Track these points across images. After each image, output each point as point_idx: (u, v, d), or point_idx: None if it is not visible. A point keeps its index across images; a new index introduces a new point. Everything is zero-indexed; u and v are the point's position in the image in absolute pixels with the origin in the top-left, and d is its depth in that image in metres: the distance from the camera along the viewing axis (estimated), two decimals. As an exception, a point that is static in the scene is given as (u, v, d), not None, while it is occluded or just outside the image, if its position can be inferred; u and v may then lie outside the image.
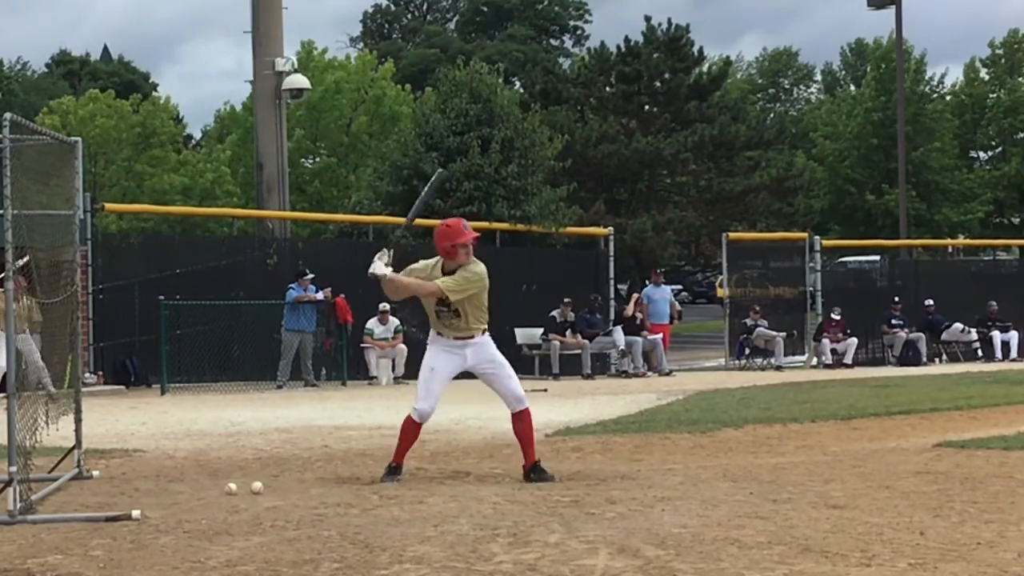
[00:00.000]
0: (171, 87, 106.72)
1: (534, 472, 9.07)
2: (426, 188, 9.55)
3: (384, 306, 22.03)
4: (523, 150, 26.82)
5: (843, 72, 75.24)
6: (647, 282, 42.27)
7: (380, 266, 8.92)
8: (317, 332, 21.83)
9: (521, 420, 9.16)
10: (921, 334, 28.07)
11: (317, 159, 48.44)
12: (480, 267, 9.08)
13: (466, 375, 9.26)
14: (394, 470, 9.06)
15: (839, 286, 30.59)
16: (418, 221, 23.19)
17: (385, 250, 9.04)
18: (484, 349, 9.08)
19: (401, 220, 25.22)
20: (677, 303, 28.56)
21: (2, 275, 7.93)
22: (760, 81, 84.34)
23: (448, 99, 27.43)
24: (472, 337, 9.03)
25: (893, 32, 52.99)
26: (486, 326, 9.14)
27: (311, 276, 21.59)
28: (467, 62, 29.33)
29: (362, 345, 22.17)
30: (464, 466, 9.89)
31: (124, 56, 77.26)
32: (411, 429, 9.08)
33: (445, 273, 8.98)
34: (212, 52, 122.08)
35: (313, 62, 47.16)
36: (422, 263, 9.19)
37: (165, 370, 20.05)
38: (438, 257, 9.07)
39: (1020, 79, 57.38)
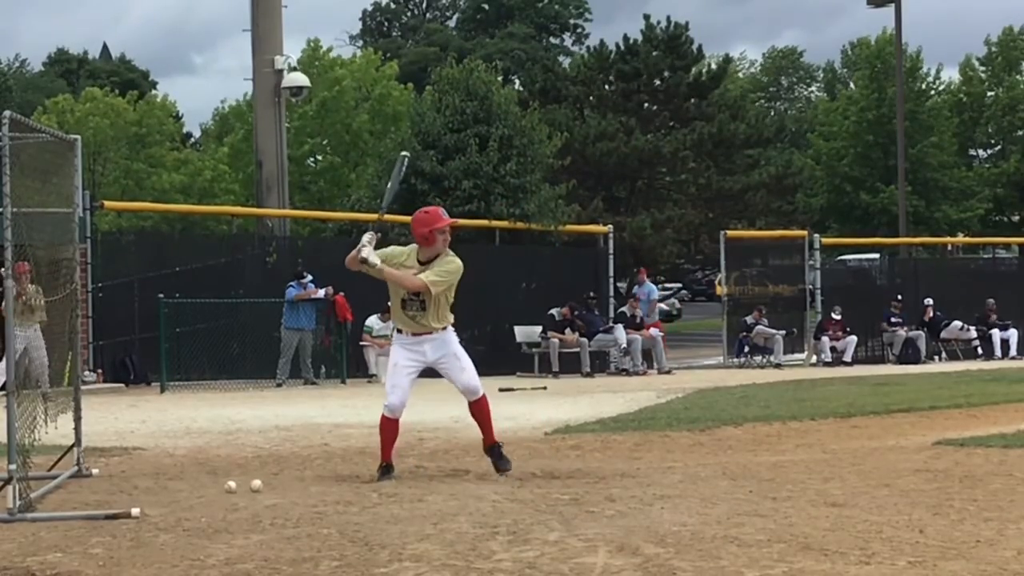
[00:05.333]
0: (191, 86, 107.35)
1: (491, 454, 9.26)
2: (393, 174, 9.61)
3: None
4: (521, 148, 26.78)
5: (844, 71, 75.25)
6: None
7: (371, 252, 8.94)
8: (316, 330, 21.84)
9: (476, 406, 9.24)
10: (920, 332, 28.09)
11: (321, 158, 48.48)
12: (458, 261, 9.10)
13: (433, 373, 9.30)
14: (387, 469, 9.11)
15: (838, 284, 30.62)
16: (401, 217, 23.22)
17: (371, 233, 9.06)
18: (444, 345, 9.11)
19: (401, 219, 25.36)
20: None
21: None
22: (763, 80, 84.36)
23: (443, 96, 27.40)
24: (431, 333, 9.07)
25: (886, 29, 53.23)
26: (448, 323, 9.14)
27: (309, 278, 21.59)
28: (460, 60, 29.27)
29: (361, 343, 22.17)
30: (463, 464, 9.89)
31: (140, 55, 77.41)
32: (387, 425, 9.16)
33: (420, 262, 9.00)
34: (222, 52, 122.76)
35: (319, 61, 47.18)
36: (397, 249, 9.29)
37: (164, 368, 20.05)
38: (413, 245, 9.13)
39: (1017, 76, 57.37)
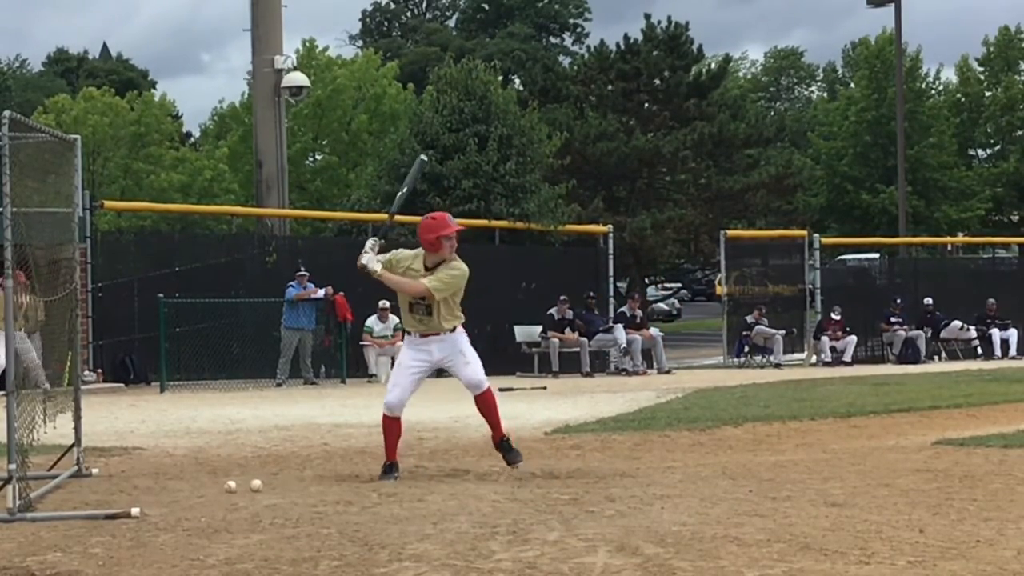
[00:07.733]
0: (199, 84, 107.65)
1: (501, 448, 9.36)
2: (408, 177, 9.71)
3: (384, 304, 22.04)
4: (521, 147, 26.78)
5: (844, 71, 75.24)
6: (646, 280, 42.08)
7: (372, 259, 9.04)
8: (316, 330, 21.84)
9: (481, 399, 9.25)
10: (920, 332, 28.09)
11: (319, 157, 48.44)
12: (463, 266, 9.14)
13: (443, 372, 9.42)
14: (390, 468, 9.14)
15: (838, 284, 30.64)
16: (405, 218, 23.38)
17: (375, 239, 9.18)
18: (451, 345, 9.14)
19: (401, 218, 25.32)
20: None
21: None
22: (764, 79, 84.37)
23: (441, 96, 27.38)
24: (439, 334, 9.11)
25: (886, 29, 53.21)
26: (458, 323, 9.20)
27: (307, 274, 21.59)
28: (458, 59, 29.28)
29: (361, 343, 22.17)
30: (463, 464, 9.89)
31: (147, 55, 77.57)
32: (388, 424, 9.23)
33: (426, 267, 9.05)
34: (229, 51, 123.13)
35: (315, 60, 47.12)
36: (404, 252, 9.31)
37: (164, 368, 20.06)
38: (420, 249, 9.17)
39: (1015, 76, 57.35)
